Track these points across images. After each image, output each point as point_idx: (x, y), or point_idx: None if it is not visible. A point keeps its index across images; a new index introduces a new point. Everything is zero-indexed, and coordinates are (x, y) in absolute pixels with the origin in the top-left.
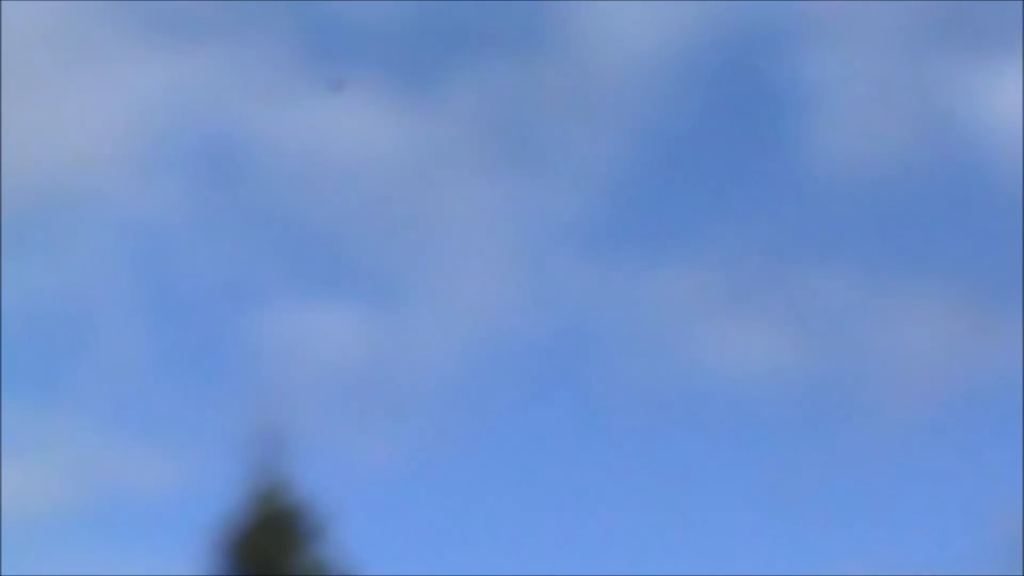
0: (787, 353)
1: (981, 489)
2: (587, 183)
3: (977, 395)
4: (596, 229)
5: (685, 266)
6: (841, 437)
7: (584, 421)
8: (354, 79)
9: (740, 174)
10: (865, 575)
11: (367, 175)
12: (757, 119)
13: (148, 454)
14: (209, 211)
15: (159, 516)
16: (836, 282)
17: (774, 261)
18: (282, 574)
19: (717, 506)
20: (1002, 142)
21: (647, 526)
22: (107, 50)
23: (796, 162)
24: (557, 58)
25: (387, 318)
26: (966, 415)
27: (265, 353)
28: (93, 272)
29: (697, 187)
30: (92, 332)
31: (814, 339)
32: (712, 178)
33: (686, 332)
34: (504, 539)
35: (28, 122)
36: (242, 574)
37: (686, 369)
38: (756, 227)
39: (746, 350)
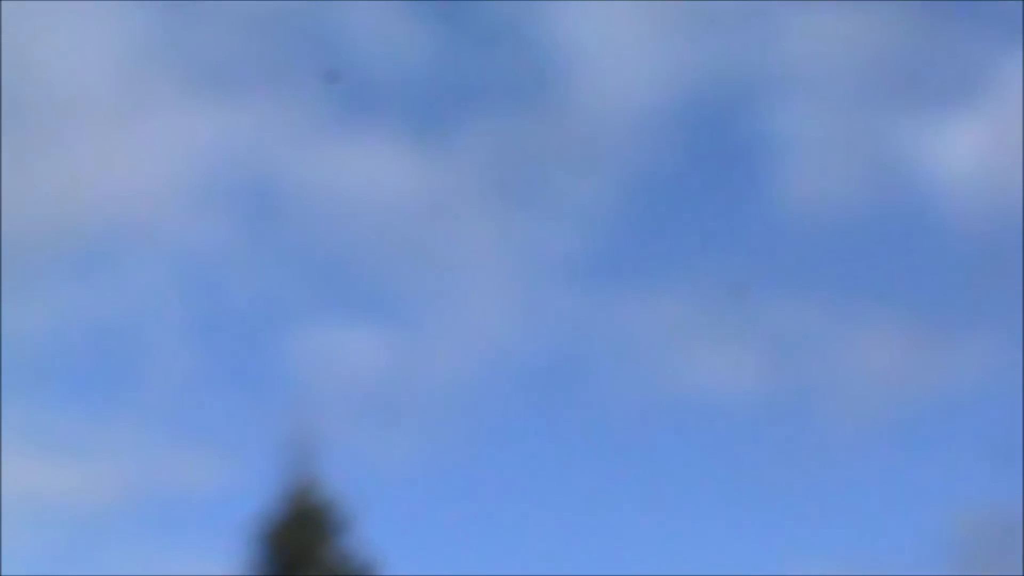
0: (759, 371)
1: (931, 492)
2: (582, 221)
3: (926, 409)
4: (590, 262)
5: (669, 295)
6: (807, 446)
7: (579, 431)
8: (377, 129)
9: (717, 214)
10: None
11: (388, 213)
12: (732, 166)
13: (195, 457)
14: (251, 243)
15: (204, 511)
16: (802, 310)
17: (746, 291)
18: (312, 563)
19: (697, 507)
20: (946, 186)
21: (634, 523)
22: (163, 101)
23: (766, 204)
24: (556, 111)
25: (405, 338)
26: (917, 427)
27: (298, 368)
28: (149, 295)
29: (679, 226)
30: (147, 348)
31: (782, 359)
32: (693, 218)
33: (670, 353)
34: (505, 533)
35: (95, 163)
36: (277, 563)
37: (670, 386)
38: (731, 261)
39: (723, 369)
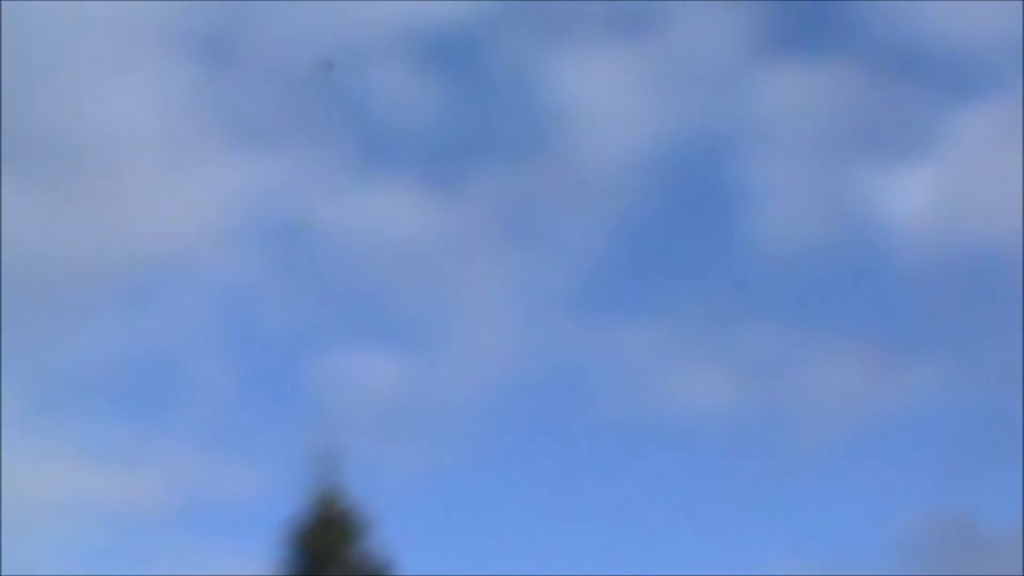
0: (734, 391)
1: (888, 497)
2: (577, 258)
3: (883, 424)
4: (583, 294)
5: (653, 324)
6: (775, 458)
7: (574, 443)
8: (394, 176)
9: (697, 252)
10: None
11: (404, 251)
12: (709, 209)
13: (231, 468)
14: (282, 277)
15: (239, 516)
16: (772, 337)
17: (722, 320)
18: (336, 563)
19: (681, 511)
20: (899, 227)
21: (626, 525)
22: (204, 150)
23: (740, 242)
24: (554, 160)
25: (419, 362)
26: (875, 440)
27: (324, 388)
28: (192, 323)
29: (663, 262)
30: (189, 371)
31: (754, 380)
32: (674, 255)
33: (654, 375)
34: (509, 536)
35: (144, 205)
36: (304, 563)
37: (654, 403)
38: (707, 293)
39: (702, 389)
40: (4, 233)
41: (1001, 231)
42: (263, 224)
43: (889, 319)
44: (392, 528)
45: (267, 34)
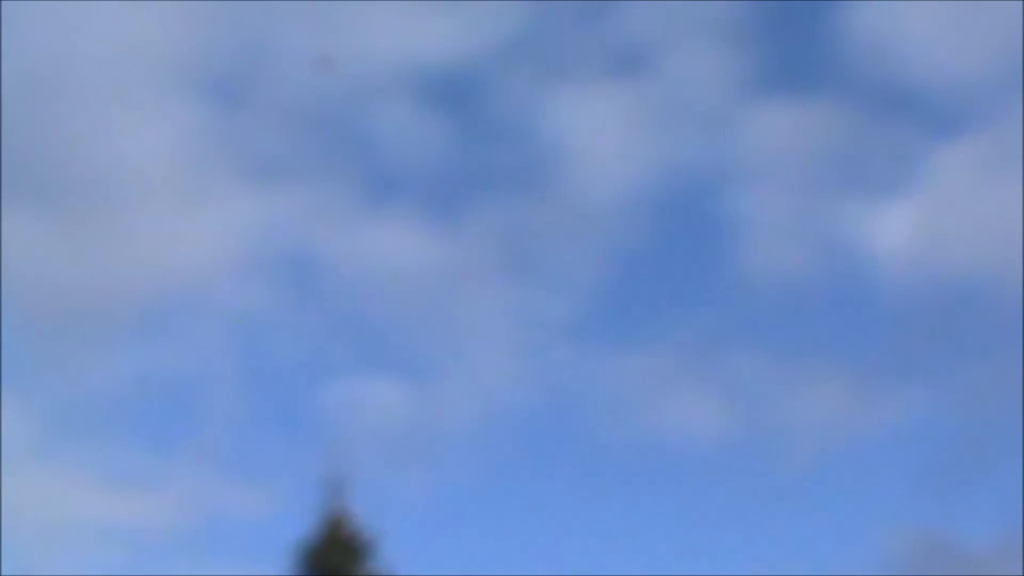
0: (724, 415)
1: (869, 515)
2: (573, 289)
3: (865, 447)
4: (580, 324)
5: (644, 352)
6: (764, 480)
7: (570, 466)
8: (399, 210)
9: (688, 283)
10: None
11: (408, 281)
12: (700, 242)
13: (245, 491)
14: (292, 307)
15: (252, 537)
16: (761, 365)
17: (713, 348)
18: None
19: (673, 529)
20: (882, 260)
21: (618, 544)
22: (217, 185)
23: (730, 274)
24: (552, 195)
25: (423, 389)
26: (858, 464)
27: (332, 413)
28: (205, 352)
29: (656, 293)
30: (204, 397)
31: (743, 405)
32: (667, 286)
33: (648, 400)
34: (510, 555)
35: (159, 239)
36: None
37: (648, 427)
38: (699, 322)
39: (693, 413)
40: (25, 265)
41: (981, 263)
42: (273, 256)
43: (873, 347)
44: (398, 549)
45: (276, 74)
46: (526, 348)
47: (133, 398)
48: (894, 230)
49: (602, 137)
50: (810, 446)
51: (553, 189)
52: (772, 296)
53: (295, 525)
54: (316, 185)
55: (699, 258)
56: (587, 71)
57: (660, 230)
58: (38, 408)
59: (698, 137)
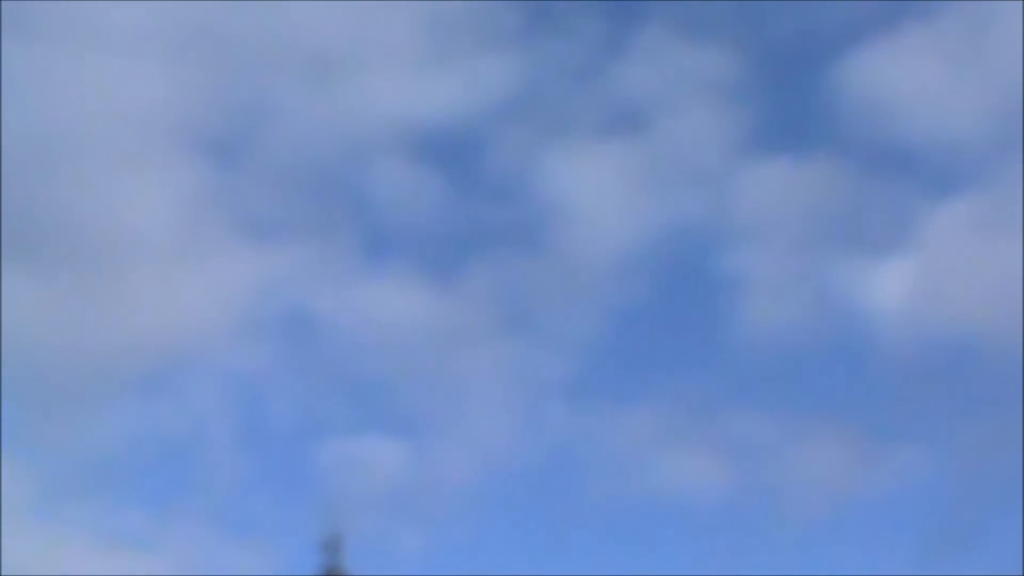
0: (721, 474)
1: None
2: (571, 348)
3: (862, 504)
4: (577, 382)
5: (642, 410)
6: (761, 538)
7: (568, 523)
8: (397, 268)
9: (685, 341)
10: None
11: (406, 339)
12: (697, 300)
13: (243, 548)
14: (289, 366)
15: None
16: (758, 422)
17: (711, 406)
18: None
19: None
20: (878, 319)
21: None
22: (215, 244)
23: (727, 333)
24: (549, 254)
25: (420, 447)
26: (856, 522)
27: (330, 472)
28: (204, 411)
29: (653, 351)
30: (201, 456)
31: (740, 464)
32: (664, 345)
33: (645, 459)
34: None
35: (157, 297)
36: None
37: (646, 486)
38: (697, 380)
39: (691, 472)
40: (24, 325)
41: (979, 322)
42: (270, 315)
43: (873, 406)
44: None
45: (274, 132)
46: (524, 406)
47: (132, 458)
48: (892, 289)
49: (599, 195)
50: (810, 504)
51: (550, 247)
52: (771, 354)
53: None
54: (314, 243)
55: (697, 316)
56: (584, 130)
57: (657, 288)
58: (37, 468)
59: (695, 196)
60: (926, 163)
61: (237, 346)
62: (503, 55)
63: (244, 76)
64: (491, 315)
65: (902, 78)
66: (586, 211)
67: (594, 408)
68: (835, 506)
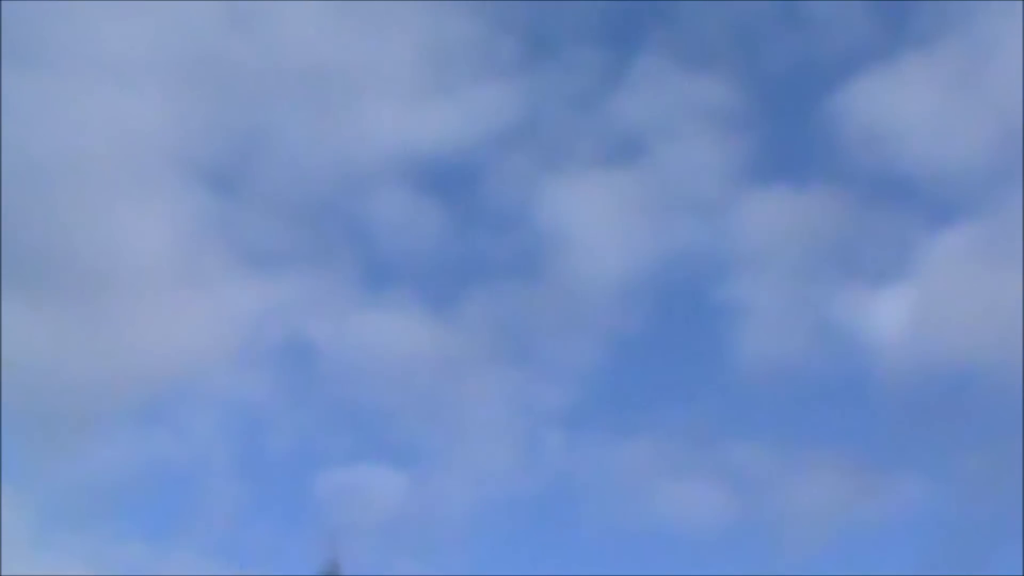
0: (720, 503)
1: None
2: (570, 377)
3: (861, 534)
4: (576, 411)
5: (642, 439)
6: (763, 568)
7: (567, 553)
8: (396, 298)
9: (685, 371)
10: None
11: (405, 369)
12: (697, 329)
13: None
14: (288, 394)
15: None
16: (756, 451)
17: (710, 435)
18: None
19: None
20: (878, 348)
21: None
22: (215, 274)
23: (726, 362)
24: (548, 283)
25: (419, 477)
26: (856, 553)
27: (329, 501)
28: (203, 440)
29: (653, 379)
30: (200, 486)
31: (739, 493)
32: (664, 374)
33: (644, 488)
34: None
35: (157, 326)
36: None
37: (645, 515)
38: (696, 409)
39: (690, 501)
40: (22, 354)
41: (979, 351)
42: (269, 344)
43: (872, 435)
44: None
45: (274, 161)
46: (523, 435)
47: (130, 488)
48: (892, 318)
49: (598, 224)
50: (810, 534)
51: (550, 276)
52: (770, 382)
53: None
54: (313, 272)
55: (696, 345)
56: (583, 159)
57: (657, 317)
58: (35, 498)
59: (694, 225)
60: (925, 192)
61: (236, 375)
62: (502, 85)
63: (244, 105)
64: (490, 344)
65: (901, 107)
66: (585, 240)
67: (593, 437)
68: (835, 535)
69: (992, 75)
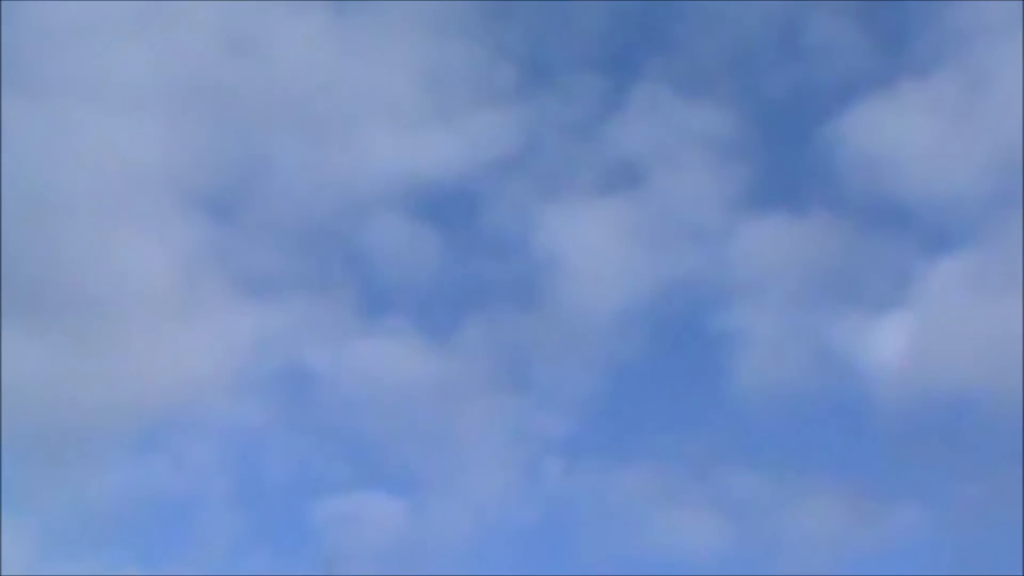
0: (721, 534)
1: None
2: (569, 405)
3: (864, 567)
4: (575, 440)
5: (640, 467)
6: None
7: None
8: (393, 324)
9: (684, 398)
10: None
11: (402, 396)
12: (695, 357)
13: None
14: (286, 421)
15: None
16: (754, 479)
17: (709, 462)
18: None
19: None
20: (880, 373)
21: None
22: (210, 301)
23: (725, 389)
24: (546, 310)
25: (418, 505)
26: None
27: (327, 530)
28: (198, 468)
29: (652, 406)
30: (195, 514)
31: (740, 523)
32: (662, 402)
33: (642, 516)
34: None
35: (151, 353)
36: None
37: (644, 545)
38: (696, 436)
39: (690, 531)
40: (21, 382)
41: (978, 378)
42: (267, 372)
43: (872, 463)
44: None
45: (271, 188)
46: (521, 463)
47: (129, 515)
48: (891, 345)
49: (596, 251)
50: (809, 562)
51: (548, 304)
52: (769, 410)
53: None
54: (310, 299)
55: (695, 373)
56: (581, 186)
57: (655, 344)
58: (35, 526)
59: (692, 251)
60: (924, 219)
61: (233, 402)
62: (500, 111)
63: (242, 132)
64: (488, 371)
65: (899, 134)
66: (583, 267)
67: (592, 465)
68: (834, 563)
69: (991, 103)
